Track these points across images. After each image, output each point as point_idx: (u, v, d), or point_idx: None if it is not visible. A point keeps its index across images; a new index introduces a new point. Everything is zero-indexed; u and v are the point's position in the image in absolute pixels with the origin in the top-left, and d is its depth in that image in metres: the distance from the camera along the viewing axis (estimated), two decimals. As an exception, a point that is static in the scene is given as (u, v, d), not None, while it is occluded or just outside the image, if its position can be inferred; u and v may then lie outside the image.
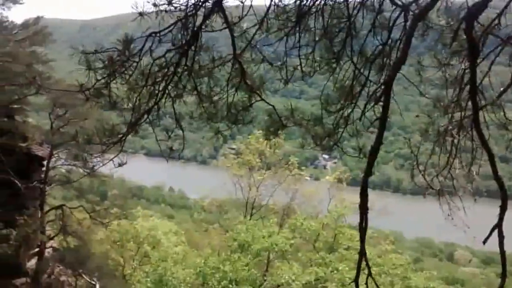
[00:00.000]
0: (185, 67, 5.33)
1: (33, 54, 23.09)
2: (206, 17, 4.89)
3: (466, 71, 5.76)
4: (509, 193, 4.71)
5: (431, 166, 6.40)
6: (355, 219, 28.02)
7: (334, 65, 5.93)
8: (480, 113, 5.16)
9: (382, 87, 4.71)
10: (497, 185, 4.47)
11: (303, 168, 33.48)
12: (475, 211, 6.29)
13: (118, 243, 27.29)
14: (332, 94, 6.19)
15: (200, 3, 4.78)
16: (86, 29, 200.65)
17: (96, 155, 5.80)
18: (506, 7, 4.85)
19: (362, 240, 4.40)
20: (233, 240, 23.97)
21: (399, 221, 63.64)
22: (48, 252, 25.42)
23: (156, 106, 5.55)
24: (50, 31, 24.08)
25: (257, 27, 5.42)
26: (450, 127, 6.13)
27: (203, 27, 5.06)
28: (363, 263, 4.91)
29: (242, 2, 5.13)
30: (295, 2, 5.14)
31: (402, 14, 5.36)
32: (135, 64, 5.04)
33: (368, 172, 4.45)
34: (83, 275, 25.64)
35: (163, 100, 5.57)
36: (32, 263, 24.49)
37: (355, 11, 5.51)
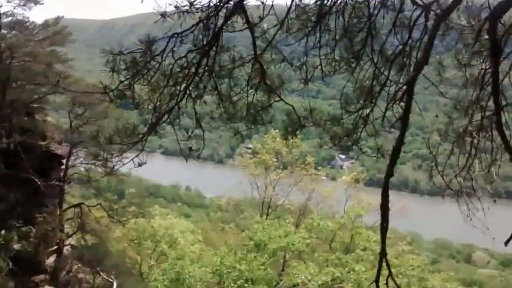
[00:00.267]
0: (206, 68, 5.36)
1: (53, 53, 23.43)
2: (228, 17, 4.91)
3: (487, 71, 5.69)
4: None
5: (449, 166, 6.34)
6: (371, 220, 28.02)
7: (354, 65, 5.91)
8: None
9: (404, 87, 4.68)
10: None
11: (319, 168, 33.41)
12: (494, 213, 6.22)
13: (135, 241, 27.46)
14: (351, 94, 6.17)
15: (221, 4, 4.80)
16: (105, 29, 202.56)
17: (117, 155, 5.82)
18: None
19: (383, 240, 4.38)
20: (249, 240, 24.02)
21: (416, 222, 63.07)
22: (66, 249, 25.74)
23: (176, 106, 5.59)
24: (69, 31, 24.40)
25: (277, 27, 5.43)
26: (470, 128, 6.07)
27: (224, 27, 5.08)
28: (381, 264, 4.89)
29: (262, 3, 5.14)
30: (316, 2, 5.13)
31: (423, 14, 5.34)
32: (157, 64, 5.07)
33: (390, 172, 4.43)
34: (101, 273, 25.90)
35: (183, 101, 5.61)
36: (51, 260, 24.82)
37: (376, 11, 5.49)
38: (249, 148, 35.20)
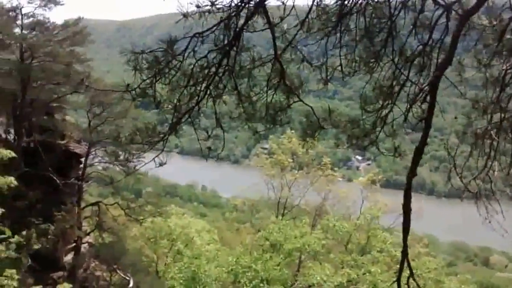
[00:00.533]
0: (226, 67, 5.39)
1: (73, 53, 23.73)
2: (249, 17, 4.94)
3: (508, 71, 5.64)
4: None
5: (467, 168, 6.29)
6: (388, 221, 27.82)
7: (373, 65, 5.90)
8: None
9: (427, 87, 4.67)
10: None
11: (335, 169, 33.30)
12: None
13: (151, 240, 27.68)
14: (369, 94, 6.15)
15: (243, 4, 4.83)
16: (123, 30, 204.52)
17: (137, 154, 5.89)
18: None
19: (405, 240, 4.38)
20: (265, 240, 24.07)
21: (433, 224, 62.51)
22: (84, 247, 26.06)
23: (197, 106, 5.63)
24: (89, 32, 24.69)
25: (298, 27, 5.44)
26: (489, 129, 6.01)
27: (245, 27, 5.10)
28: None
29: (283, 3, 5.16)
30: (337, 2, 5.14)
31: (444, 14, 5.31)
32: (178, 64, 5.12)
33: (412, 172, 4.43)
34: (118, 271, 26.15)
35: (203, 100, 5.65)
36: (69, 257, 25.15)
37: (396, 11, 5.47)
38: (265, 149, 35.23)
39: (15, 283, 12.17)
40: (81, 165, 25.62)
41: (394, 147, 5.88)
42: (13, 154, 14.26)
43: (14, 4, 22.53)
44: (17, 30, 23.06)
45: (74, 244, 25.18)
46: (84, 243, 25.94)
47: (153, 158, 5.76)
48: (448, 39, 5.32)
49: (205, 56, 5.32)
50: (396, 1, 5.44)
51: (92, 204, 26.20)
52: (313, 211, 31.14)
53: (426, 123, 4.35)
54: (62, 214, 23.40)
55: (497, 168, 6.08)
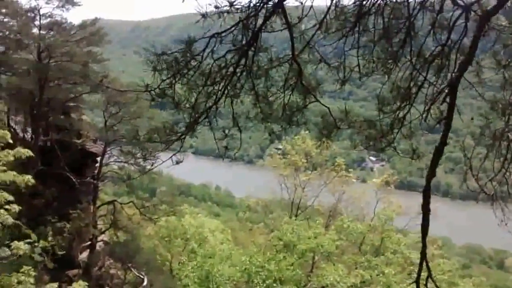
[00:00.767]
0: (244, 68, 5.42)
1: (90, 53, 23.98)
2: (267, 18, 4.96)
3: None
4: None
5: (483, 170, 6.23)
6: (402, 223, 27.62)
7: (391, 66, 5.89)
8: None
9: (446, 88, 4.65)
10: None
11: (350, 170, 33.17)
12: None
13: (166, 239, 27.82)
14: (387, 95, 6.13)
15: (261, 5, 4.86)
16: (138, 30, 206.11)
17: (156, 153, 5.95)
18: None
19: (424, 240, 4.37)
20: (278, 240, 24.06)
21: (447, 226, 61.91)
22: (99, 245, 26.30)
23: (214, 106, 5.67)
24: (105, 32, 24.92)
25: (315, 27, 5.45)
26: (507, 131, 5.95)
27: (263, 28, 5.13)
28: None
29: (301, 3, 5.18)
30: (355, 2, 5.15)
31: (463, 15, 5.28)
32: (197, 64, 5.16)
33: (432, 172, 4.42)
34: (132, 269, 26.34)
35: (221, 100, 5.69)
36: (84, 255, 25.40)
37: (415, 12, 5.46)
38: (279, 149, 35.20)
39: (31, 280, 12.32)
40: (97, 164, 25.87)
41: (412, 148, 5.87)
42: (31, 153, 14.42)
43: (32, 5, 22.86)
44: (35, 31, 23.39)
45: (89, 242, 25.44)
46: (99, 241, 26.19)
47: (171, 157, 5.82)
48: (466, 40, 5.30)
49: (224, 56, 5.35)
50: (415, 2, 5.43)
51: (108, 203, 26.45)
52: (327, 212, 31.05)
53: (446, 124, 4.34)
54: (77, 212, 23.65)
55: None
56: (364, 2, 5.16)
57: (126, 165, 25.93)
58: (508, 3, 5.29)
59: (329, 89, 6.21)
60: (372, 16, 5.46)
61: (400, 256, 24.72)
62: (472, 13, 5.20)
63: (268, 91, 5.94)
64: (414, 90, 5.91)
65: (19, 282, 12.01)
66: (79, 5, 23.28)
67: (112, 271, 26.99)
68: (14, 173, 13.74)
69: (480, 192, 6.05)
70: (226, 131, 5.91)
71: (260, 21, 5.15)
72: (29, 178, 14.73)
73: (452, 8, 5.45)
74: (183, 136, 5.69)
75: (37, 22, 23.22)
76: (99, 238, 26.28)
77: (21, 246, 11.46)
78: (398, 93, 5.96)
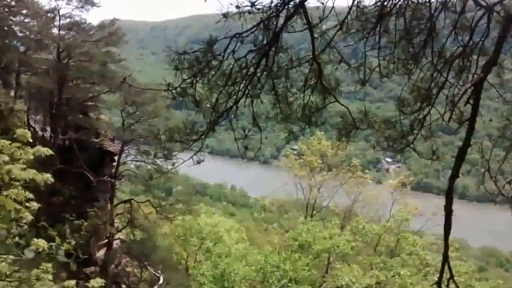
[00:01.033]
0: (265, 68, 5.45)
1: (108, 54, 24.25)
2: (288, 18, 4.99)
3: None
4: None
5: (501, 172, 6.18)
6: (418, 224, 27.38)
7: (411, 66, 5.87)
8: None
9: (470, 89, 4.64)
10: None
11: (366, 171, 33.02)
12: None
13: (181, 237, 27.92)
14: (406, 96, 6.11)
15: (283, 5, 4.89)
16: (156, 30, 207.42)
17: (176, 152, 6.02)
18: None
19: (446, 241, 4.36)
20: (293, 240, 24.05)
21: (463, 228, 61.11)
22: (116, 243, 26.59)
23: (235, 106, 5.71)
24: (123, 32, 25.18)
25: (335, 28, 5.46)
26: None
27: (284, 28, 5.16)
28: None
29: (322, 3, 5.19)
30: (376, 3, 5.14)
31: (485, 15, 5.24)
32: (218, 64, 5.21)
33: (455, 173, 4.41)
34: (148, 267, 26.57)
35: (241, 100, 5.72)
36: (101, 253, 25.71)
37: (436, 12, 5.43)
38: (295, 149, 35.15)
39: (50, 277, 12.49)
40: (114, 163, 26.16)
41: (431, 150, 5.85)
42: (51, 152, 14.65)
43: (52, 6, 23.21)
44: (55, 31, 23.78)
45: (106, 240, 25.72)
46: (116, 239, 26.47)
47: (192, 156, 5.87)
48: (488, 41, 5.27)
49: (245, 56, 5.39)
50: (437, 2, 5.41)
51: (125, 201, 26.73)
52: (342, 213, 30.94)
53: (469, 125, 4.33)
54: (95, 210, 23.94)
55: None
56: (386, 3, 5.15)
57: (143, 164, 26.18)
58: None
59: (345, 90, 6.21)
60: (392, 17, 5.46)
61: (416, 258, 24.53)
62: (494, 13, 5.17)
63: (288, 91, 5.96)
64: (434, 91, 5.89)
65: (38, 279, 12.19)
66: (98, 6, 23.60)
67: (128, 269, 27.28)
68: (34, 171, 13.96)
69: (498, 194, 6.00)
70: (246, 131, 5.94)
71: (281, 21, 5.18)
72: (48, 177, 14.94)
73: (473, 9, 5.42)
74: (203, 136, 5.74)
75: (57, 23, 23.66)
76: (116, 236, 26.56)
77: (40, 244, 11.62)
78: (418, 94, 5.94)
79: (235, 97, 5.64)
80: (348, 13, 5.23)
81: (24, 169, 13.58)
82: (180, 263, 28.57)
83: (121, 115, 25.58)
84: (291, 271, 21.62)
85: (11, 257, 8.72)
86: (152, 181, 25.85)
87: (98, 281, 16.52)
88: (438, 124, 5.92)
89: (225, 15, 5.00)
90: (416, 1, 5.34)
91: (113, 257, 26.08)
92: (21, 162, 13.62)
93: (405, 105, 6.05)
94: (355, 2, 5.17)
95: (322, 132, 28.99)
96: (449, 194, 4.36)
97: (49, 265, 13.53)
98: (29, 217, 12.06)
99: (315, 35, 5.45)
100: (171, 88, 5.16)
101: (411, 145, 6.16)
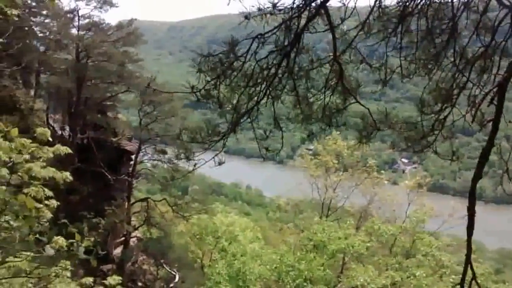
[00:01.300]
0: (286, 69, 5.48)
1: (126, 54, 24.48)
2: (310, 19, 5.01)
3: None
4: None
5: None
6: (434, 226, 27.12)
7: (432, 67, 5.86)
8: None
9: (494, 89, 4.63)
10: None
11: (382, 171, 32.82)
12: None
13: (197, 236, 28.01)
14: (427, 97, 6.09)
15: (305, 6, 4.92)
16: (173, 31, 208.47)
17: (198, 153, 6.08)
18: None
19: (469, 242, 4.36)
20: (308, 240, 24.03)
21: (480, 230, 60.25)
22: (132, 241, 26.84)
23: (256, 107, 5.74)
24: (141, 33, 25.40)
25: (356, 28, 5.47)
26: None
27: (305, 29, 5.18)
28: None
29: (344, 4, 5.21)
30: (398, 3, 5.15)
31: (508, 15, 5.22)
32: (240, 65, 5.25)
33: (478, 174, 4.41)
34: (164, 265, 26.76)
35: (262, 101, 5.76)
36: (118, 251, 25.96)
37: (459, 12, 5.42)
38: (310, 149, 35.07)
39: (68, 274, 12.66)
40: (132, 162, 26.39)
41: (452, 150, 5.83)
42: (69, 150, 14.86)
43: (72, 6, 23.52)
44: (74, 31, 24.07)
45: (123, 238, 25.96)
46: (132, 237, 26.71)
47: (213, 157, 5.94)
48: (511, 41, 5.24)
49: (266, 57, 5.42)
50: (459, 2, 5.40)
51: (141, 200, 26.96)
52: (358, 214, 30.79)
53: (493, 125, 4.33)
54: (112, 208, 24.19)
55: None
56: (408, 3, 5.16)
57: (159, 163, 26.39)
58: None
59: (361, 91, 6.22)
60: (414, 17, 5.46)
61: (431, 259, 24.33)
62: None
63: (309, 91, 5.98)
64: (455, 91, 5.87)
65: (56, 275, 12.36)
66: (116, 7, 23.82)
67: (145, 267, 27.51)
68: (54, 169, 14.16)
69: (516, 196, 5.96)
70: (267, 132, 5.99)
71: (302, 22, 5.21)
72: (67, 175, 15.14)
73: (496, 8, 5.40)
74: (225, 137, 5.79)
75: (76, 23, 23.93)
76: (133, 234, 26.81)
77: (59, 241, 11.78)
78: (439, 95, 5.93)
79: (256, 98, 5.69)
80: (370, 13, 5.24)
81: (44, 167, 13.80)
82: (195, 262, 28.68)
83: (139, 114, 25.79)
84: (306, 271, 21.62)
85: (31, 254, 8.88)
86: (170, 180, 26.01)
87: (115, 279, 16.70)
88: (455, 125, 5.91)
89: (247, 17, 5.04)
90: (438, 1, 5.34)
91: (129, 255, 26.31)
92: (41, 160, 13.85)
93: (425, 106, 6.04)
94: (377, 2, 5.18)
95: (338, 132, 28.89)
96: (472, 195, 4.36)
97: (68, 262, 13.73)
98: (48, 214, 12.27)
99: (336, 36, 5.48)
100: (195, 91, 5.22)
101: (432, 146, 6.16)
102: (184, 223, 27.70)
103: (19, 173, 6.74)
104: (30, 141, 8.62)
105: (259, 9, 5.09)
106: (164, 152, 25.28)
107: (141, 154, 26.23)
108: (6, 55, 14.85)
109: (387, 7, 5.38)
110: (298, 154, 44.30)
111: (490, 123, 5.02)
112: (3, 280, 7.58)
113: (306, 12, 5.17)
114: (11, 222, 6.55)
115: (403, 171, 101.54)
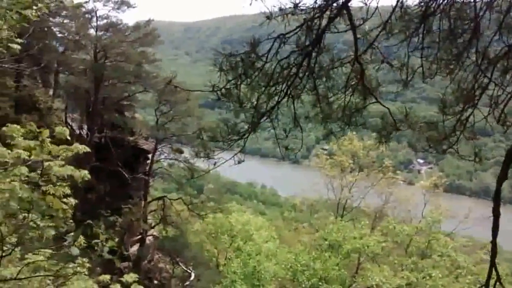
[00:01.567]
0: (307, 68, 5.49)
1: (143, 54, 24.66)
2: (332, 19, 5.02)
3: None
4: None
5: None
6: (450, 226, 26.88)
7: (454, 67, 5.83)
8: None
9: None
10: None
11: (397, 172, 32.65)
12: None
13: (213, 235, 28.17)
14: (448, 97, 6.06)
15: (327, 6, 4.93)
16: (190, 31, 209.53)
17: (219, 152, 6.13)
18: None
19: (494, 243, 4.34)
20: (323, 239, 24.01)
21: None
22: (149, 240, 27.03)
23: (276, 106, 5.77)
24: (158, 33, 25.56)
25: (378, 28, 5.46)
26: None
27: (327, 29, 5.19)
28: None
29: (366, 4, 5.21)
30: (420, 3, 5.14)
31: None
32: (261, 65, 5.28)
33: (503, 176, 4.39)
34: (180, 264, 26.92)
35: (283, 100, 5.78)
36: (134, 249, 26.17)
37: (481, 12, 5.38)
38: (325, 149, 35.00)
39: (86, 271, 12.83)
40: (148, 161, 26.59)
41: (474, 151, 5.79)
42: (88, 149, 15.04)
43: (90, 7, 23.75)
44: (92, 32, 24.28)
45: (139, 236, 26.17)
46: (149, 235, 26.90)
47: (233, 156, 5.98)
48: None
49: (287, 57, 5.45)
50: (481, 2, 5.36)
51: (158, 199, 27.14)
52: (373, 214, 30.65)
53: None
54: (129, 207, 24.41)
55: None
56: (430, 3, 5.14)
57: (175, 162, 26.56)
58: None
59: (379, 90, 6.20)
60: (437, 17, 5.43)
61: (447, 259, 24.16)
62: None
63: (329, 91, 5.99)
64: (478, 92, 5.83)
65: (74, 273, 12.52)
66: (133, 7, 23.99)
67: (160, 265, 27.70)
68: (72, 168, 14.34)
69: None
70: (287, 132, 6.01)
71: (324, 22, 5.22)
72: (86, 174, 15.32)
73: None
74: (245, 136, 5.82)
75: (94, 24, 24.14)
76: (149, 233, 27.00)
77: (83, 241, 11.95)
78: (461, 95, 5.89)
79: (276, 97, 5.72)
80: (392, 13, 5.23)
81: (63, 165, 13.99)
82: (211, 260, 28.83)
83: (155, 114, 25.98)
84: (321, 270, 21.63)
85: (50, 251, 9.01)
86: (183, 178, 26.17)
87: (131, 276, 16.87)
88: (474, 126, 5.86)
89: (269, 17, 5.07)
90: (460, 1, 5.31)
91: (146, 253, 26.51)
92: (60, 159, 14.04)
93: (447, 106, 6.01)
94: (399, 2, 5.17)
95: (354, 133, 28.79)
96: (496, 197, 4.34)
97: (85, 259, 13.91)
98: (69, 213, 12.46)
99: (358, 36, 5.48)
100: (216, 90, 5.26)
101: (453, 146, 6.13)
102: (200, 221, 27.85)
103: (38, 171, 6.85)
104: (50, 140, 8.76)
105: (281, 9, 5.11)
106: (181, 151, 25.43)
107: (157, 153, 26.41)
108: (26, 56, 15.08)
109: (409, 7, 5.37)
110: (313, 154, 44.28)
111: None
112: (23, 278, 7.70)
113: (327, 12, 5.20)
114: (38, 222, 6.67)
115: (419, 172, 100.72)
